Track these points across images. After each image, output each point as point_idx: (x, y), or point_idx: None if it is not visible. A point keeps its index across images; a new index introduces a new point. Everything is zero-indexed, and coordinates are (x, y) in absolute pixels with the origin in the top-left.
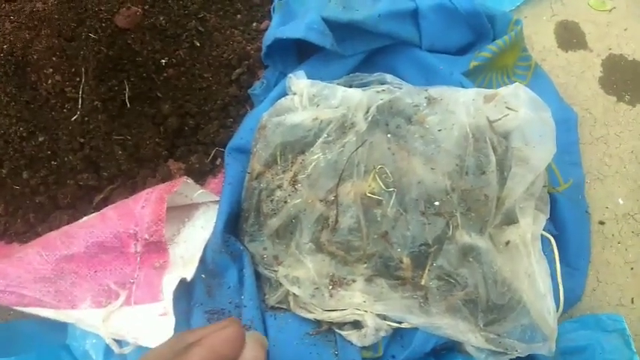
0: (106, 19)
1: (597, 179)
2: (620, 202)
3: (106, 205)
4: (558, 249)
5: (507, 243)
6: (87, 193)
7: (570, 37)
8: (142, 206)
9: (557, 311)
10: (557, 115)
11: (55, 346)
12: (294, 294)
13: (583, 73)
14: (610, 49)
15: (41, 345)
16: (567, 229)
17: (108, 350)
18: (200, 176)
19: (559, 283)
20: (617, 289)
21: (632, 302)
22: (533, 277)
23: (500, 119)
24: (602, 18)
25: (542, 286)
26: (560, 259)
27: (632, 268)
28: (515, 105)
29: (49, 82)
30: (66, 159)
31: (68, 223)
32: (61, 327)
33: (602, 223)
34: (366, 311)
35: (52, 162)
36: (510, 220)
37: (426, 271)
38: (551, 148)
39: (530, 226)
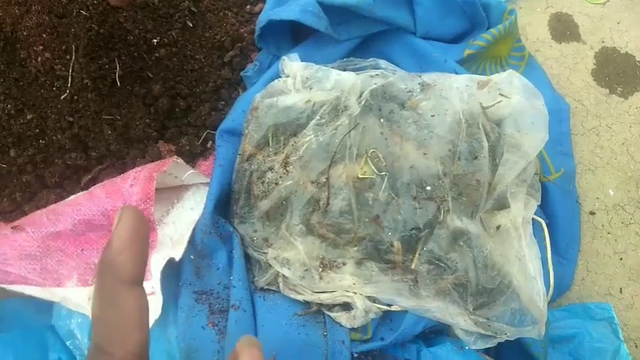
0: None
1: (588, 170)
2: (611, 193)
3: (94, 185)
4: (550, 239)
5: (498, 227)
6: (75, 173)
7: (564, 29)
8: (130, 184)
9: (547, 295)
10: (549, 106)
11: (41, 325)
12: (283, 276)
13: (576, 64)
14: (603, 41)
15: (26, 325)
16: (558, 218)
17: None
18: (190, 158)
19: (549, 267)
20: (606, 278)
21: (621, 292)
22: (523, 260)
23: (493, 105)
24: (596, 11)
25: (533, 269)
26: (551, 250)
27: (621, 259)
28: (509, 92)
29: (39, 59)
30: (54, 138)
31: (55, 202)
32: (47, 308)
33: (592, 213)
34: (355, 293)
35: (40, 140)
36: (501, 205)
37: (417, 255)
38: (544, 136)
39: (522, 210)
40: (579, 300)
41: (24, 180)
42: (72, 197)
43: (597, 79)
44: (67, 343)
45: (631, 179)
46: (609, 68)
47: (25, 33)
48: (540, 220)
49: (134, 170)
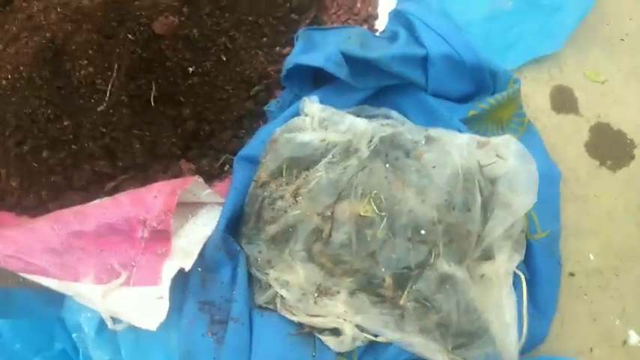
0: (144, 23)
1: (572, 234)
2: (591, 257)
3: (117, 193)
4: (528, 292)
5: (482, 276)
6: (100, 179)
7: (564, 101)
8: (154, 196)
9: (519, 342)
10: (543, 171)
11: (49, 316)
12: (281, 296)
13: (571, 135)
14: (599, 116)
15: (35, 314)
16: (539, 274)
17: (100, 325)
18: (208, 178)
19: (524, 317)
20: (579, 337)
21: (591, 351)
22: (501, 308)
23: (489, 165)
24: (595, 88)
25: (509, 317)
26: (529, 302)
27: (594, 319)
28: (505, 154)
29: (82, 72)
30: (86, 145)
31: (79, 204)
32: (57, 300)
33: (572, 274)
34: (345, 320)
35: (73, 146)
36: (488, 255)
37: (406, 292)
38: (533, 198)
39: (505, 263)
40: (551, 354)
41: (52, 180)
42: (98, 201)
43: (590, 151)
44: (73, 336)
45: (611, 247)
46: (602, 142)
47: (73, 47)
48: (520, 273)
49: (159, 183)
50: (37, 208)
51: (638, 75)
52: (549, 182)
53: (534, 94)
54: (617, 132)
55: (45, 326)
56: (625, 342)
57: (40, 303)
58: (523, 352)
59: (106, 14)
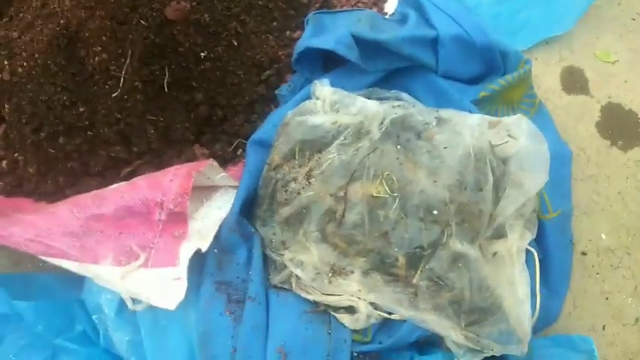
0: (157, 9)
1: (584, 213)
2: (603, 237)
3: (133, 178)
4: (541, 272)
5: (495, 254)
6: (116, 165)
7: (574, 81)
8: (170, 179)
9: (532, 318)
10: (553, 150)
11: (70, 299)
12: (296, 276)
13: (582, 115)
14: (610, 97)
15: (56, 297)
16: (551, 254)
17: (120, 306)
18: (221, 163)
19: (537, 293)
20: (591, 315)
21: (604, 329)
22: (514, 285)
23: (501, 145)
24: (606, 68)
25: (522, 293)
26: (540, 282)
27: (607, 298)
28: (516, 134)
29: (97, 59)
30: (101, 131)
31: (95, 190)
32: (77, 283)
33: (584, 253)
34: (360, 299)
35: (88, 132)
36: (500, 234)
37: (419, 271)
38: (544, 177)
39: (517, 241)
40: (564, 332)
41: (69, 166)
42: (115, 185)
43: (600, 131)
44: (94, 317)
45: (623, 226)
46: (613, 122)
47: (87, 34)
48: (533, 250)
49: (174, 167)
50: (54, 194)
51: None
52: (560, 162)
53: (545, 75)
54: (628, 112)
55: (66, 308)
56: (637, 320)
57: (60, 285)
58: (536, 331)
59: (119, 1)
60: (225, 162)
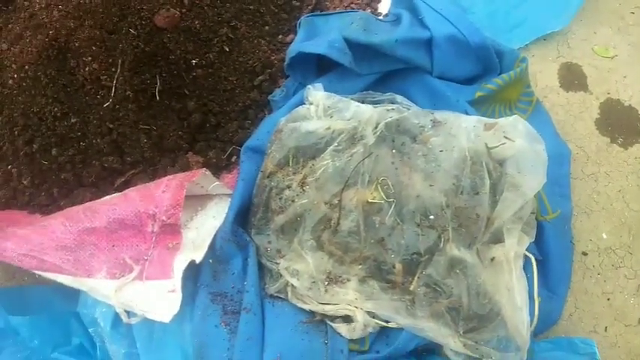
0: (146, 17)
1: (584, 213)
2: (604, 236)
3: (127, 188)
4: (541, 274)
5: (492, 259)
6: (110, 175)
7: (573, 78)
8: (162, 190)
9: (530, 325)
10: (552, 150)
11: (66, 312)
12: (292, 285)
13: (581, 113)
14: (609, 93)
15: (52, 310)
16: (551, 255)
17: (115, 320)
18: (215, 170)
19: (535, 300)
20: (593, 317)
21: (606, 330)
22: (512, 291)
23: (497, 147)
24: (605, 64)
25: (520, 300)
26: (541, 284)
27: (608, 299)
28: (513, 135)
29: (87, 69)
30: (94, 141)
31: (90, 201)
32: (73, 296)
33: (584, 254)
34: (356, 307)
35: (81, 143)
36: (497, 239)
37: (416, 277)
38: (542, 179)
39: (515, 246)
40: (565, 334)
41: (62, 177)
42: (107, 197)
43: (600, 128)
44: (90, 330)
45: (624, 225)
46: (612, 119)
47: (76, 44)
48: (531, 256)
49: (167, 178)
50: (48, 206)
51: None
52: (559, 161)
53: (542, 72)
54: (628, 108)
55: (62, 322)
56: None
57: (57, 299)
58: (537, 333)
59: (108, 9)
60: (219, 169)
